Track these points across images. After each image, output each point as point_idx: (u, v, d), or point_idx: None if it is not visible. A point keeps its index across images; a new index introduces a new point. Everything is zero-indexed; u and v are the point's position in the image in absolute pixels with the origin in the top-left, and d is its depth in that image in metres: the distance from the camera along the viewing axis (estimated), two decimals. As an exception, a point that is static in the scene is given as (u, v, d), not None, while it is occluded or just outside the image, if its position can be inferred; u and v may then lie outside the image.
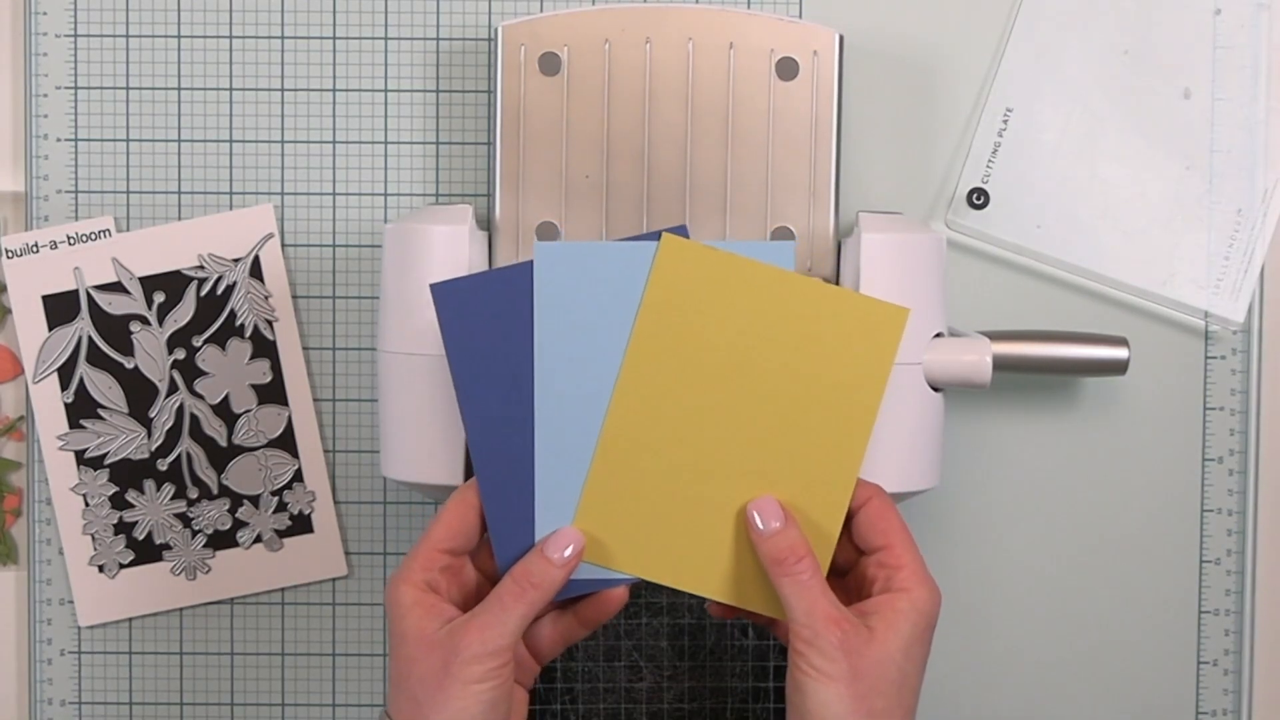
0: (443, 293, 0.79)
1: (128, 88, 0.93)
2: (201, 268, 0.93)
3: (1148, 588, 0.94)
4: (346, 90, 0.93)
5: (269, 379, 0.93)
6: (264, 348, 0.93)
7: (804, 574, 0.76)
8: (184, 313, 0.93)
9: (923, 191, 0.93)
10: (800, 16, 0.92)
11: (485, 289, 0.79)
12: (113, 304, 0.93)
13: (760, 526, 0.77)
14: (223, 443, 0.93)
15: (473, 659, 0.74)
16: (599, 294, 0.78)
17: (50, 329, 0.93)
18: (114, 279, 0.93)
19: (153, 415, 0.93)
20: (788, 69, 0.88)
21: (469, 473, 0.83)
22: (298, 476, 0.94)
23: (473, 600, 0.79)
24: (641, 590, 0.92)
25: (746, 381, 0.78)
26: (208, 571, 0.94)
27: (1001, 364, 0.86)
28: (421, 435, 0.84)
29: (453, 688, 0.74)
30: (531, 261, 0.79)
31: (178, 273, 0.93)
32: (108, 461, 0.93)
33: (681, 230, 0.78)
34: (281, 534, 0.94)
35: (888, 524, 0.78)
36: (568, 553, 0.78)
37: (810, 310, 0.78)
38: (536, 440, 0.79)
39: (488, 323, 0.79)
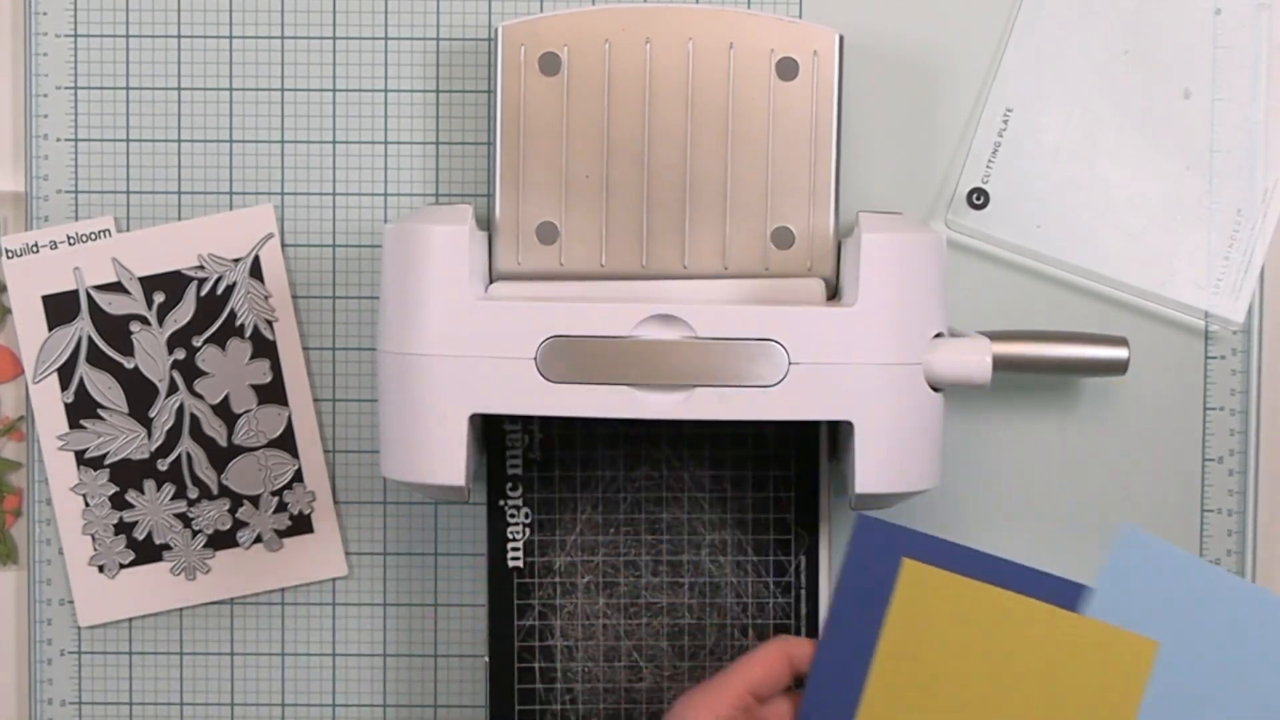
0: (866, 526, 0.80)
1: (128, 88, 0.93)
2: (201, 268, 0.93)
3: (1148, 588, 0.94)
4: (346, 90, 0.93)
5: (269, 379, 0.93)
6: (264, 348, 0.93)
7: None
8: (184, 313, 0.93)
9: (923, 191, 0.93)
10: (800, 16, 0.92)
11: (901, 541, 0.80)
12: (113, 304, 0.93)
13: None
14: (223, 443, 0.93)
15: None
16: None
17: (50, 329, 0.93)
18: (114, 279, 0.93)
19: (153, 415, 0.93)
20: (788, 69, 0.88)
21: (469, 474, 0.83)
22: (298, 476, 0.94)
23: None
24: (642, 590, 0.92)
25: (990, 707, 0.79)
26: (208, 571, 0.94)
27: (1001, 364, 0.86)
28: (421, 435, 0.84)
29: None
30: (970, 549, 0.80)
31: (178, 273, 0.93)
32: (108, 461, 0.93)
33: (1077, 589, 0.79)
34: (281, 534, 0.94)
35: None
36: None
37: (1054, 638, 0.79)
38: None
39: (882, 571, 0.80)
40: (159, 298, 0.93)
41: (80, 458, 0.93)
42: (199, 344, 0.93)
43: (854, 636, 0.80)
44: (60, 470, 0.93)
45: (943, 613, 0.79)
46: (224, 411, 0.93)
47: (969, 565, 0.80)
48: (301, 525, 0.94)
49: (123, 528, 0.94)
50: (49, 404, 0.93)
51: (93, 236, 0.93)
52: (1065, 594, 0.79)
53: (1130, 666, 0.78)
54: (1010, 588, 0.79)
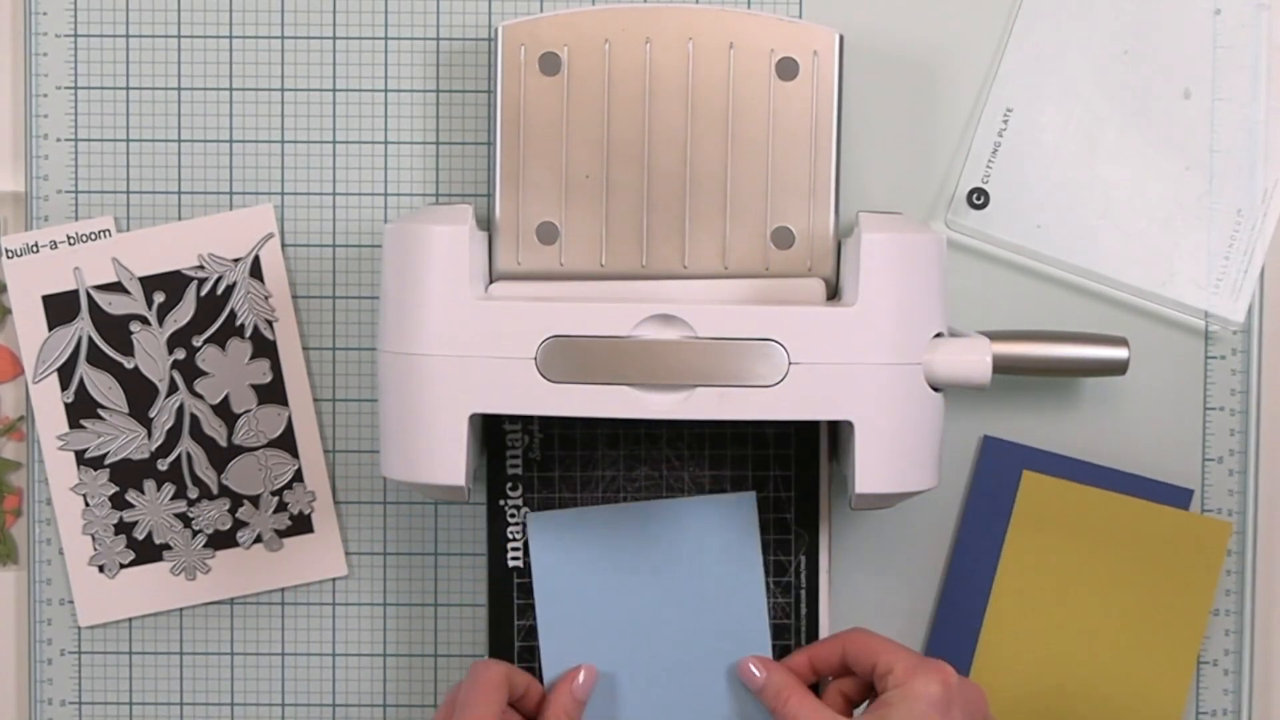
0: (991, 447, 0.91)
1: (128, 88, 0.93)
2: (201, 268, 0.93)
3: (1148, 588, 0.94)
4: (346, 90, 0.93)
5: (269, 379, 0.93)
6: (264, 348, 0.93)
7: (792, 700, 0.86)
8: (184, 313, 0.93)
9: (923, 191, 0.93)
10: (800, 16, 0.92)
11: (1021, 456, 0.91)
12: (113, 304, 0.93)
13: (756, 674, 0.88)
14: (223, 443, 0.93)
15: None
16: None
17: (50, 329, 0.93)
18: (114, 279, 0.93)
19: (153, 415, 0.93)
20: (788, 69, 0.88)
21: (469, 474, 0.83)
22: (298, 476, 0.94)
23: None
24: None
25: (1102, 594, 0.91)
26: (208, 571, 0.94)
27: (1001, 364, 0.86)
28: (421, 435, 0.84)
29: None
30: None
31: (178, 273, 0.93)
32: (108, 461, 0.93)
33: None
34: (281, 534, 0.94)
35: (868, 644, 0.86)
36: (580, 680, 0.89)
37: (1153, 530, 0.91)
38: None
39: (1004, 483, 0.92)
40: (159, 298, 0.93)
41: (80, 458, 0.93)
42: (199, 344, 0.93)
43: (981, 542, 0.91)
44: (60, 470, 0.93)
45: (1059, 515, 0.90)
46: (224, 411, 0.93)
47: (1081, 474, 0.91)
48: (301, 525, 0.94)
49: (123, 528, 0.94)
50: (49, 404, 0.93)
51: (93, 236, 0.93)
52: (1172, 497, 0.90)
53: (1214, 546, 0.91)
54: (1119, 492, 0.91)
